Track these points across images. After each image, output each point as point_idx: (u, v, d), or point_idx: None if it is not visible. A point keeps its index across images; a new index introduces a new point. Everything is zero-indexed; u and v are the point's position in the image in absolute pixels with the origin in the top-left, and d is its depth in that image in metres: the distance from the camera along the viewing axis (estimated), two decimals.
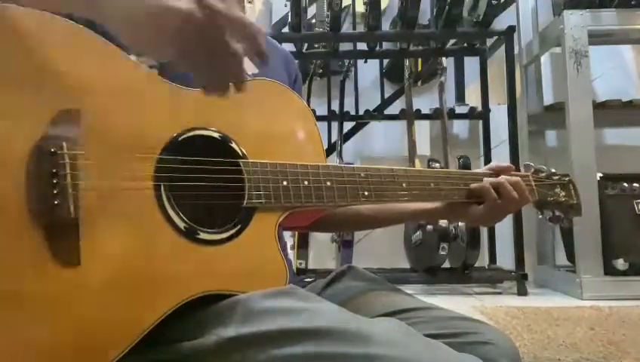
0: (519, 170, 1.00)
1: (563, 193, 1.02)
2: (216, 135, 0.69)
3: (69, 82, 0.60)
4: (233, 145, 0.70)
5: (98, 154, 0.60)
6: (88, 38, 0.63)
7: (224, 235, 0.66)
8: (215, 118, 0.70)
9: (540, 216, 1.03)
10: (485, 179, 0.92)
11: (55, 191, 0.56)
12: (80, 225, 0.57)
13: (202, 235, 0.65)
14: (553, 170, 1.04)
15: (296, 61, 1.05)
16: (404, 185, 0.83)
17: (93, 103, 0.61)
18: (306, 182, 0.73)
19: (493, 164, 0.97)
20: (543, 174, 1.02)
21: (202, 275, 0.64)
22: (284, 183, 0.71)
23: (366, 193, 0.79)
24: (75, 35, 0.62)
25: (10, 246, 0.55)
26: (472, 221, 0.94)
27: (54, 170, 0.57)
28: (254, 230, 0.69)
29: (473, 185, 0.91)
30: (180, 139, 0.66)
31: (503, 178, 0.91)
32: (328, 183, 0.75)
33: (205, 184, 0.67)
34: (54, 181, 0.56)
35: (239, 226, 0.68)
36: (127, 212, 0.61)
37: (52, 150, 0.57)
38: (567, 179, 1.04)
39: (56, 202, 0.56)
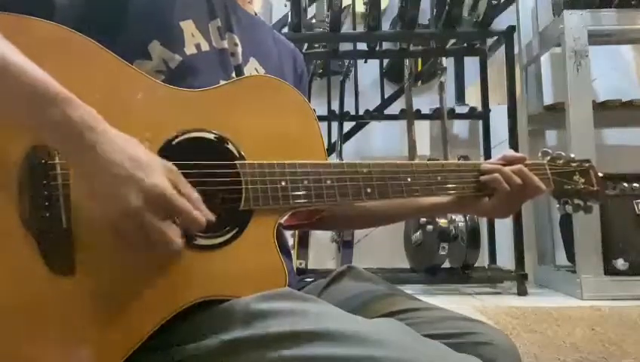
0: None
1: (582, 180, 0.97)
2: (212, 136, 0.68)
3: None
4: (230, 146, 0.68)
5: None
6: (81, 43, 0.62)
7: (221, 239, 0.65)
8: (212, 119, 0.68)
9: (558, 206, 0.98)
10: (493, 168, 0.87)
11: (47, 203, 0.56)
12: (73, 235, 0.57)
13: (199, 240, 0.64)
14: (572, 156, 0.99)
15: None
16: (409, 179, 0.80)
17: None
18: (305, 182, 0.71)
19: (507, 153, 0.91)
20: (561, 161, 0.97)
21: (200, 281, 0.63)
22: (283, 184, 0.70)
23: (369, 190, 0.76)
24: (67, 41, 0.61)
25: (5, 258, 0.55)
26: (484, 214, 0.91)
27: (45, 181, 0.56)
28: (252, 233, 0.67)
29: (483, 178, 0.87)
30: (174, 142, 0.65)
31: (510, 169, 0.87)
32: (329, 182, 0.73)
33: (201, 188, 0.65)
34: (46, 192, 0.56)
35: (236, 229, 0.67)
36: None
37: (43, 160, 0.56)
38: (587, 164, 0.98)
39: (47, 213, 0.56)
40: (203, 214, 0.59)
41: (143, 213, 0.54)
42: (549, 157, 0.97)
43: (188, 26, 0.76)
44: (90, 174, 0.55)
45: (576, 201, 0.97)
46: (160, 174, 0.56)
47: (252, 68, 0.83)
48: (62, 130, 0.53)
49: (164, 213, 0.56)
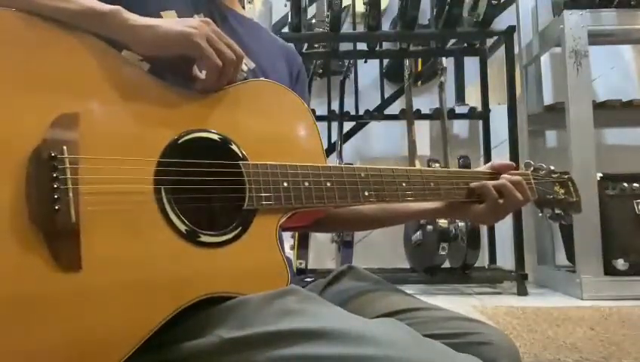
0: (518, 169, 1.00)
1: (562, 191, 1.02)
2: (216, 137, 0.69)
3: (69, 86, 0.60)
4: (233, 146, 0.70)
5: (98, 159, 0.59)
6: (86, 41, 0.63)
7: (225, 237, 0.66)
8: (214, 120, 0.70)
9: (540, 215, 1.03)
10: (486, 181, 0.91)
11: (55, 196, 0.56)
12: (80, 229, 0.57)
13: (203, 238, 0.64)
14: (552, 168, 1.04)
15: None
16: (404, 184, 0.83)
17: (93, 107, 0.61)
18: (306, 183, 0.73)
19: (494, 162, 0.96)
20: (543, 172, 1.02)
21: (204, 278, 0.64)
22: (285, 184, 0.71)
23: (366, 193, 0.79)
24: (73, 39, 0.62)
25: (11, 251, 0.55)
26: (474, 220, 0.95)
27: (54, 175, 0.56)
28: (255, 232, 0.68)
29: (473, 184, 0.90)
30: (179, 141, 0.66)
31: (504, 179, 0.91)
32: (328, 184, 0.75)
33: (206, 186, 0.67)
34: (54, 186, 0.56)
35: (240, 228, 0.68)
36: (128, 216, 0.61)
37: (52, 154, 0.57)
38: (566, 176, 1.04)
39: (56, 207, 0.56)
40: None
41: (205, 26, 0.68)
42: (532, 168, 1.02)
43: (170, 17, 0.78)
44: (146, 31, 0.66)
45: (557, 211, 1.02)
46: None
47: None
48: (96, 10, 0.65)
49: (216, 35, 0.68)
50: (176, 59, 0.68)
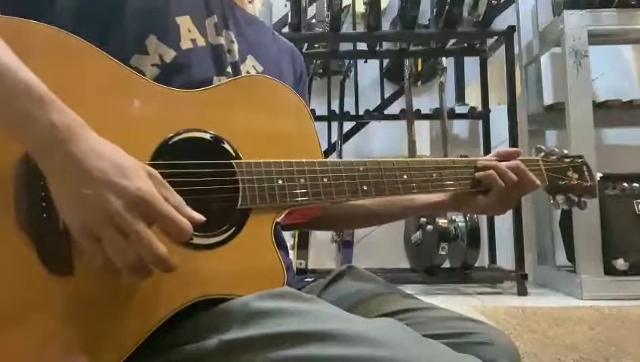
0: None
1: (576, 175, 0.98)
2: (207, 136, 0.67)
3: (57, 90, 0.58)
4: (225, 145, 0.68)
5: None
6: (75, 44, 0.62)
7: (218, 239, 0.65)
8: (206, 118, 0.68)
9: (552, 202, 0.98)
10: (487, 164, 0.87)
11: (44, 204, 0.56)
12: (70, 236, 0.56)
13: (196, 240, 0.63)
14: (565, 152, 1.00)
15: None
16: (405, 176, 0.80)
17: (82, 110, 0.59)
18: (302, 180, 0.71)
19: (500, 149, 0.92)
20: (555, 157, 0.98)
21: (198, 280, 0.63)
22: (280, 182, 0.69)
23: (365, 187, 0.76)
24: (62, 41, 0.61)
25: (1, 258, 0.54)
26: (480, 211, 0.91)
27: (42, 182, 0.56)
28: (250, 232, 0.67)
29: (478, 174, 0.87)
30: (170, 142, 0.65)
31: (502, 163, 0.87)
32: (325, 180, 0.73)
33: (197, 187, 0.65)
34: (42, 193, 0.56)
35: (234, 229, 0.66)
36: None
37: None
38: (580, 160, 1.00)
39: (44, 214, 0.56)
40: (189, 217, 0.56)
41: (122, 216, 0.51)
42: (542, 154, 0.98)
43: (184, 22, 0.76)
44: (69, 180, 0.52)
45: (570, 196, 0.97)
46: (144, 178, 0.54)
47: (249, 65, 0.83)
48: (44, 133, 0.52)
49: (145, 218, 0.53)
50: None
